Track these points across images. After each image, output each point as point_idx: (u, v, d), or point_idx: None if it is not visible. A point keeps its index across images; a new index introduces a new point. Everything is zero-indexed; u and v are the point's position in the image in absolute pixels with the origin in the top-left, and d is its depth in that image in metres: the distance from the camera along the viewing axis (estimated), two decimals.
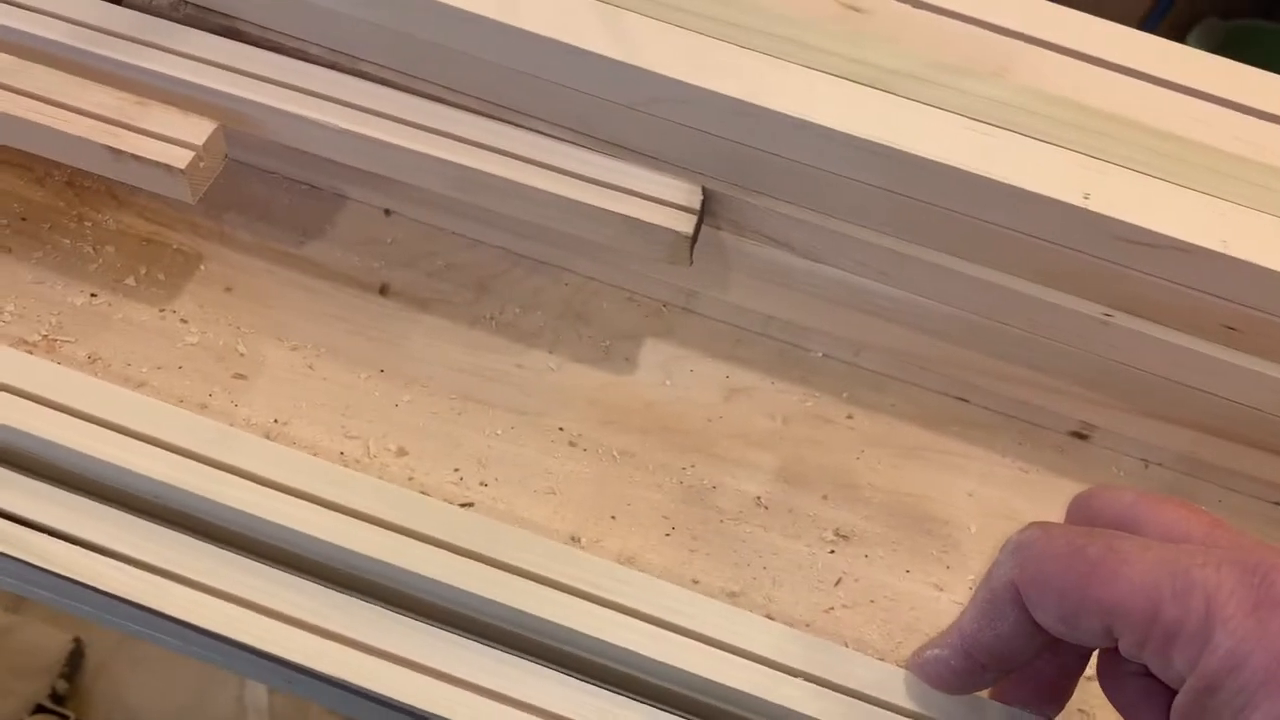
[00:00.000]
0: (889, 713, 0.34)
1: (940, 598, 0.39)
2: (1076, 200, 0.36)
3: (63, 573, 0.34)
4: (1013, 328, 0.41)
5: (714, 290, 0.44)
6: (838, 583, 0.39)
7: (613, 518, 0.39)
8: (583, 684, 0.34)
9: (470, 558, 0.35)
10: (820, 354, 0.45)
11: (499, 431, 0.41)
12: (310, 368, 0.41)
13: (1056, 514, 0.42)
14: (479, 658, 0.34)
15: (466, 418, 0.41)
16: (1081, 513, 0.31)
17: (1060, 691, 0.33)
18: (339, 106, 0.40)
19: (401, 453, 0.40)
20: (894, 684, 0.34)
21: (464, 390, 0.41)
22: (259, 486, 0.36)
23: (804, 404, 0.43)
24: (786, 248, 0.41)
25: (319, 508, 0.36)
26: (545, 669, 0.34)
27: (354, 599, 0.35)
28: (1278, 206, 0.37)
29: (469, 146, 0.40)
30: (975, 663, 0.31)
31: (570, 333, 0.43)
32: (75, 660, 1.06)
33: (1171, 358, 0.39)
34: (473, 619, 0.35)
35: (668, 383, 0.43)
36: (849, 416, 0.43)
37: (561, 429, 0.41)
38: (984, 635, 0.30)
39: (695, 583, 0.39)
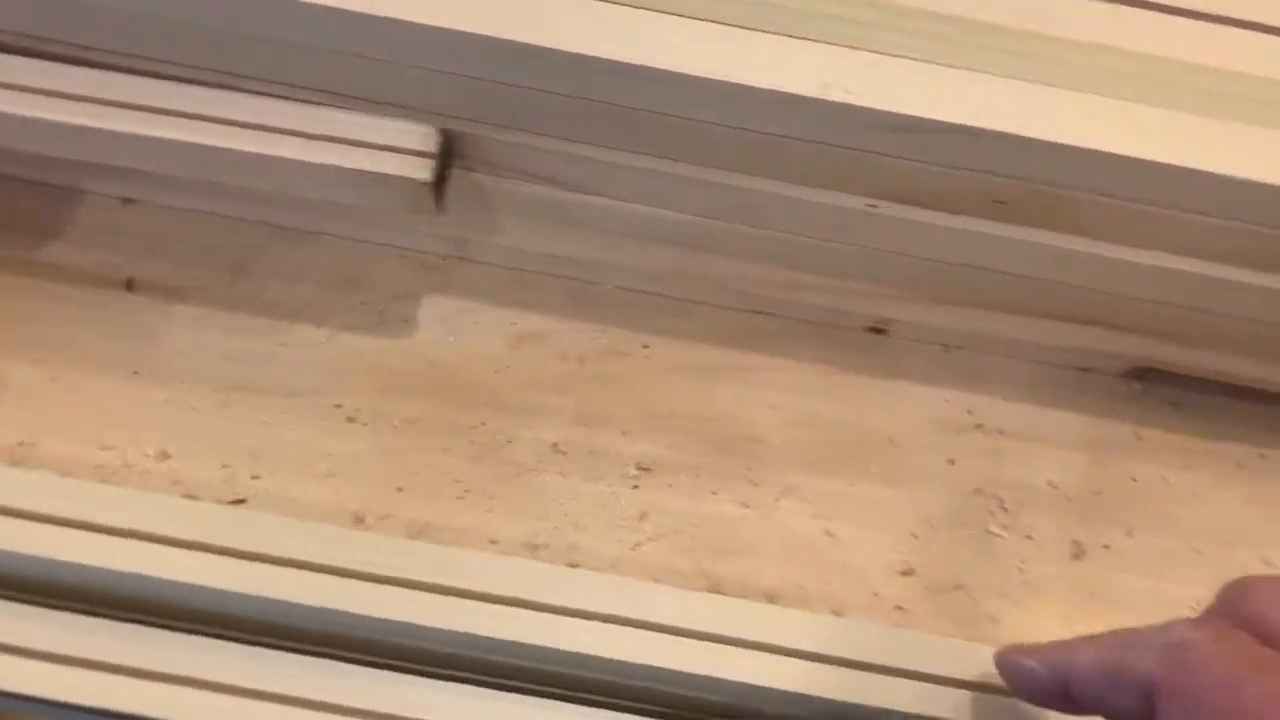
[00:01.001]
0: (694, 640, 0.33)
1: (747, 515, 0.39)
2: (815, 92, 0.34)
3: None
4: (791, 234, 0.39)
5: (487, 235, 0.42)
6: (643, 517, 0.38)
7: (400, 490, 0.38)
8: (385, 674, 0.32)
9: (240, 558, 0.33)
10: (610, 286, 0.43)
11: (269, 419, 0.38)
12: (55, 379, 0.38)
13: (860, 414, 0.41)
14: (249, 661, 0.32)
15: (232, 409, 0.38)
16: (1245, 608, 0.26)
17: None
18: (31, 95, 0.36)
19: (163, 456, 0.37)
20: (698, 611, 0.33)
21: (228, 380, 0.39)
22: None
23: (597, 340, 0.42)
24: (551, 183, 0.39)
25: (71, 530, 0.33)
26: (348, 666, 0.33)
27: (121, 624, 0.33)
28: (1031, 72, 0.36)
29: (181, 119, 0.37)
30: (1069, 700, 0.28)
31: (340, 301, 0.41)
32: None
33: (945, 240, 0.38)
34: (255, 622, 0.33)
35: (450, 339, 0.41)
36: (645, 346, 0.42)
37: (338, 406, 0.39)
38: (1091, 690, 0.27)
39: (494, 542, 0.37)
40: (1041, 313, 0.41)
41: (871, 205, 0.37)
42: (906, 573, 0.38)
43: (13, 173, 0.42)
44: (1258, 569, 0.39)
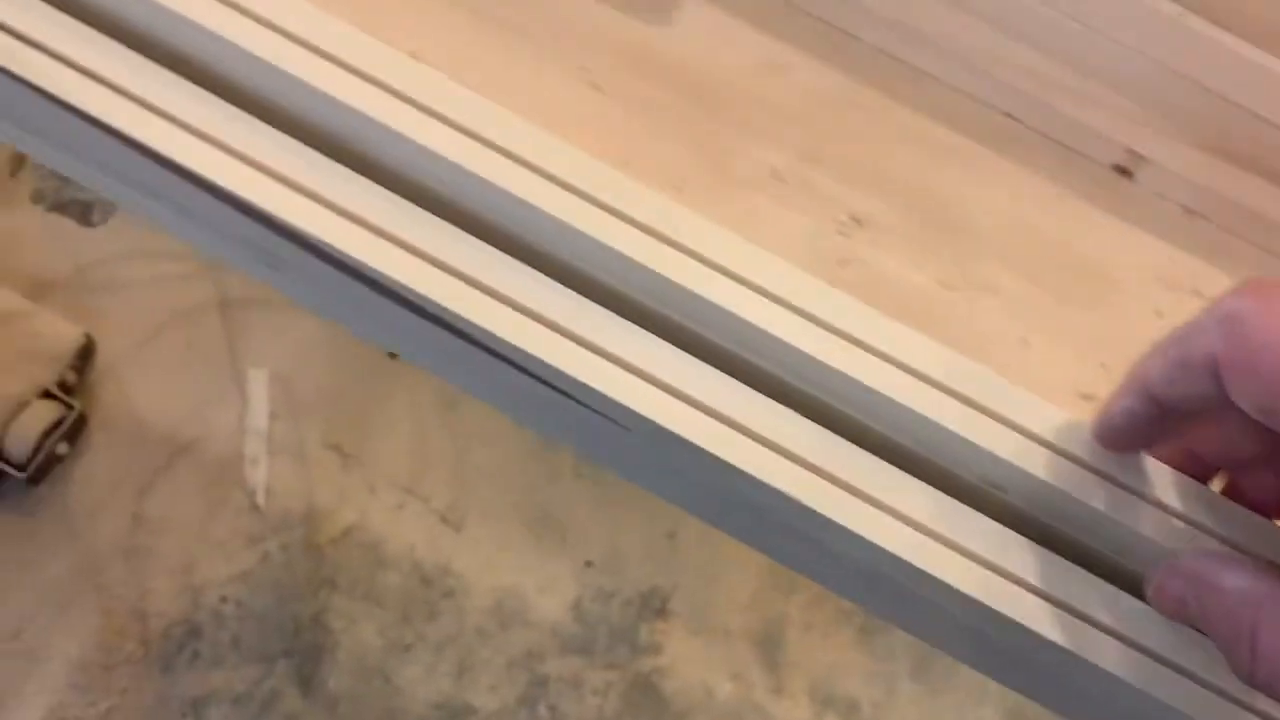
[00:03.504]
0: (925, 385, 0.33)
1: (946, 296, 0.38)
2: None
3: (57, 93, 0.32)
4: (1076, 22, 0.38)
5: None
6: (842, 264, 0.38)
7: (621, 165, 0.38)
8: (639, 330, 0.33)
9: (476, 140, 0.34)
10: (869, 42, 0.42)
11: (515, 60, 0.39)
12: None
13: (1082, 241, 0.40)
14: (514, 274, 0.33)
15: (486, 38, 0.39)
16: None
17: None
18: None
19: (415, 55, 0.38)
20: (926, 353, 0.33)
21: (485, 11, 0.39)
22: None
23: (843, 90, 0.41)
24: None
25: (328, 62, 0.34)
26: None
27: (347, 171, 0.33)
28: None
29: None
30: (1161, 409, 0.28)
31: None
32: (86, 355, 1.08)
33: (1238, 74, 0.36)
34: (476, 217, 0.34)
35: (706, 43, 0.41)
36: (887, 109, 0.41)
37: (585, 68, 0.39)
38: (1172, 390, 0.27)
39: None
40: None
41: (1182, 14, 0.36)
42: (1087, 397, 0.37)
43: None
44: None
